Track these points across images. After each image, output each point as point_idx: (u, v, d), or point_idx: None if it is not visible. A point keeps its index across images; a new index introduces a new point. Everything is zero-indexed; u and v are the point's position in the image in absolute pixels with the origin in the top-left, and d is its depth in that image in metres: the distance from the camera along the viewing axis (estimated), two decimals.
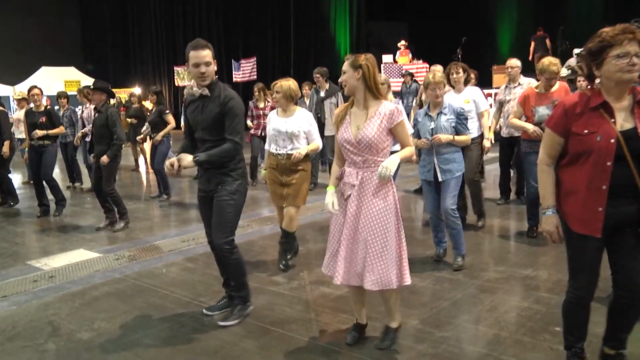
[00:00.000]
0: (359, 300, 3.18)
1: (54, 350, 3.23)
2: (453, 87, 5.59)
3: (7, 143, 7.06)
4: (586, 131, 2.35)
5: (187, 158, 3.23)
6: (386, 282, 2.88)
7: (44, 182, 6.95)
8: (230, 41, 22.18)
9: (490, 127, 5.75)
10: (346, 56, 2.99)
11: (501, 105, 6.32)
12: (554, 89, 4.93)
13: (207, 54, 3.24)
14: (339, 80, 2.99)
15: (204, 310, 3.68)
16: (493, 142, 5.74)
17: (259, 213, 6.70)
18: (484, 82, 9.98)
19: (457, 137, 4.34)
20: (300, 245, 5.18)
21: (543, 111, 4.83)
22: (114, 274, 4.61)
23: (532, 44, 15.21)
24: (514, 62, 6.26)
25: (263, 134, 8.34)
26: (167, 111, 7.83)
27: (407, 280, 3.01)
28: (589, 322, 2.62)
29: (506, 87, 6.34)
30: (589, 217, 2.38)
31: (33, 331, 3.50)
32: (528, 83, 6.00)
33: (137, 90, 19.45)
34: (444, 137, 4.30)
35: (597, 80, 2.39)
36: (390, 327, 3.15)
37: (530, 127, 4.88)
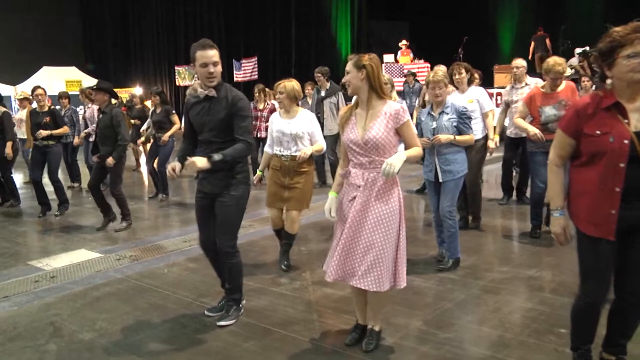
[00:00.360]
0: (360, 301, 3.16)
1: (55, 351, 3.21)
2: (457, 88, 5.56)
3: (9, 144, 7.04)
4: (598, 132, 2.30)
5: (201, 160, 3.16)
6: (379, 284, 2.87)
7: (42, 182, 6.93)
8: (231, 40, 22.17)
9: (495, 128, 5.69)
10: (349, 56, 2.97)
11: (507, 105, 6.24)
12: (560, 88, 4.89)
13: (214, 54, 3.22)
14: (343, 80, 2.97)
15: (206, 312, 3.67)
16: (498, 144, 5.68)
17: (261, 213, 6.67)
18: (485, 81, 9.96)
19: (458, 137, 4.30)
20: (303, 245, 5.17)
21: (549, 111, 4.80)
22: (115, 274, 4.59)
23: (532, 44, 15.17)
24: (520, 62, 6.20)
25: (258, 135, 8.35)
26: (174, 111, 7.86)
27: (401, 283, 2.99)
28: (598, 325, 2.58)
29: (512, 87, 6.25)
30: (601, 219, 2.34)
31: (34, 332, 3.49)
32: (535, 83, 5.92)
33: (138, 90, 19.41)
34: (444, 137, 4.27)
35: (609, 81, 2.34)
36: (374, 330, 3.14)
37: (531, 129, 4.85)
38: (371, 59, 2.87)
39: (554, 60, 4.84)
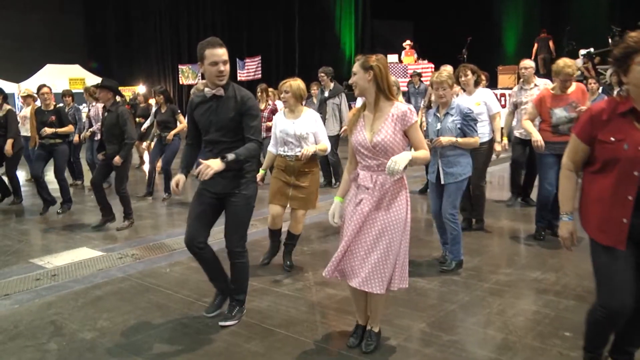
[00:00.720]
0: (360, 302, 3.13)
1: (56, 350, 3.20)
2: (464, 90, 5.52)
3: (10, 141, 7.02)
4: (613, 139, 2.24)
5: (216, 162, 3.10)
6: (381, 286, 2.85)
7: (43, 178, 6.93)
8: (235, 39, 22.18)
9: (502, 130, 5.64)
10: (357, 57, 2.93)
11: (515, 107, 6.17)
12: (570, 90, 4.85)
13: (224, 52, 3.19)
14: (349, 81, 2.94)
15: (204, 313, 3.63)
16: (507, 146, 5.62)
17: (263, 212, 6.64)
18: (489, 82, 9.93)
19: (460, 140, 4.26)
20: (305, 245, 5.15)
21: (560, 113, 4.76)
22: (117, 273, 4.58)
23: (535, 45, 15.11)
24: (528, 63, 6.12)
25: None
26: (179, 111, 7.88)
27: (398, 284, 2.95)
28: (612, 332, 2.52)
29: (521, 88, 6.16)
30: (612, 227, 2.28)
31: (35, 330, 3.47)
32: (544, 84, 5.85)
33: (141, 88, 19.43)
34: (445, 139, 4.23)
35: (625, 87, 2.28)
36: (373, 331, 3.12)
37: (535, 136, 4.82)
38: (378, 60, 2.83)
39: (563, 62, 4.80)
